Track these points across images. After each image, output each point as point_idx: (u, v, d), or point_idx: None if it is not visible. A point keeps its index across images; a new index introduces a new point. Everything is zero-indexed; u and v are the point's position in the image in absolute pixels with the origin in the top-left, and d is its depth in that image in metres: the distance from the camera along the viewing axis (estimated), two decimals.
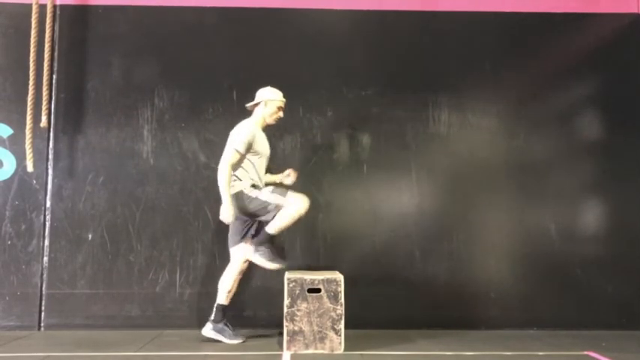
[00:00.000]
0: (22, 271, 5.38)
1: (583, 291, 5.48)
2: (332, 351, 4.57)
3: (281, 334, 4.68)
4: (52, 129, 5.50)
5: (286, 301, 4.60)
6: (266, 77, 5.22)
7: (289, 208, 4.70)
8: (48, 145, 5.50)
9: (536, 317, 5.42)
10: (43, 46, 5.44)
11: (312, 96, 5.56)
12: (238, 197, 4.76)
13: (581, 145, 5.65)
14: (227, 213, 4.68)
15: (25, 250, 5.40)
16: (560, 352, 4.64)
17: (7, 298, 5.35)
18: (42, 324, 5.34)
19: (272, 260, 4.74)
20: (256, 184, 4.82)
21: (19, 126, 5.42)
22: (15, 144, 5.45)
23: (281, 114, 4.98)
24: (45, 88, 5.40)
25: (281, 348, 4.63)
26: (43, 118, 5.36)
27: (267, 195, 4.74)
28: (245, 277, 5.27)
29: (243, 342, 4.82)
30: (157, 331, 5.22)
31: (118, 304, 5.38)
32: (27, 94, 5.31)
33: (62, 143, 5.51)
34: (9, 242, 5.40)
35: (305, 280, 4.62)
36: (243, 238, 4.90)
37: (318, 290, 4.60)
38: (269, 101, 4.92)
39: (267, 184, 4.93)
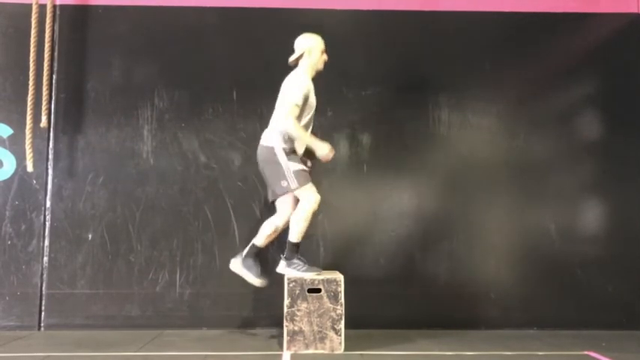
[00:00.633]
0: (22, 271, 5.38)
1: (583, 291, 5.48)
2: (332, 351, 4.57)
3: (273, 336, 4.68)
4: (52, 129, 5.50)
5: (286, 301, 4.60)
6: (266, 77, 5.22)
7: (301, 209, 4.66)
8: (48, 145, 5.50)
9: (536, 317, 5.42)
10: (43, 46, 5.44)
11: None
12: (268, 151, 4.68)
13: (581, 145, 5.65)
14: (324, 149, 4.65)
15: (25, 250, 5.40)
16: (560, 352, 4.64)
17: (7, 298, 5.35)
18: (42, 324, 5.34)
19: (308, 270, 4.68)
20: (295, 149, 4.70)
21: (19, 126, 5.42)
22: (15, 144, 5.45)
23: (326, 57, 4.89)
24: (45, 88, 5.40)
25: (281, 348, 4.63)
26: (43, 118, 5.36)
27: (290, 170, 4.63)
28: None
29: (264, 286, 4.81)
30: (157, 331, 5.22)
31: (118, 304, 5.38)
32: (27, 94, 5.32)
33: (62, 143, 5.51)
34: (9, 242, 5.40)
35: (305, 280, 4.62)
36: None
37: (318, 290, 4.60)
38: (312, 48, 4.82)
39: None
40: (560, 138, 5.63)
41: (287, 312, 4.59)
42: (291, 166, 4.64)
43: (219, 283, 5.40)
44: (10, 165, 5.45)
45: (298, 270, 4.67)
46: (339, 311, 4.59)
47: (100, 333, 5.17)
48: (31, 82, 5.32)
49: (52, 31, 5.53)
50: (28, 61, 5.33)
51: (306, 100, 4.68)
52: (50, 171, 5.48)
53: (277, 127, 4.71)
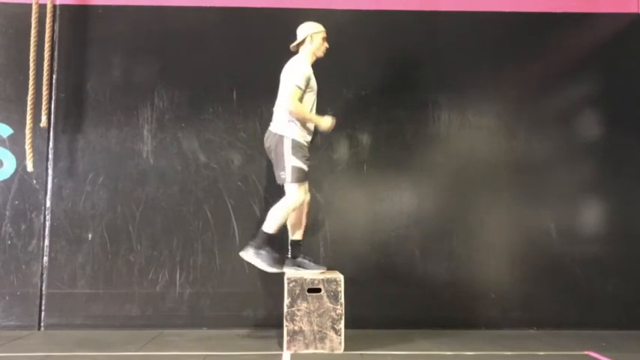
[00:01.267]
0: (22, 271, 5.38)
1: (583, 291, 5.48)
2: (332, 351, 4.57)
3: (273, 336, 4.68)
4: (52, 129, 5.49)
5: (286, 301, 4.59)
6: (266, 77, 5.22)
7: (283, 201, 4.72)
8: (48, 144, 5.50)
9: (536, 317, 5.42)
10: (43, 46, 5.44)
11: None
12: (277, 139, 4.73)
13: (581, 145, 5.65)
14: (327, 122, 4.76)
15: (25, 250, 5.40)
16: (560, 352, 4.64)
17: (7, 297, 5.35)
18: (42, 324, 5.34)
19: (271, 265, 4.70)
20: (304, 129, 4.75)
21: (19, 126, 5.42)
22: (15, 144, 5.45)
23: (327, 44, 4.97)
24: (45, 87, 5.40)
25: (281, 348, 4.63)
26: (43, 117, 5.36)
27: (290, 164, 4.68)
28: (245, 277, 5.29)
29: (281, 272, 4.74)
30: (157, 331, 5.22)
31: (118, 304, 5.38)
32: (27, 94, 5.32)
33: (62, 143, 5.51)
34: (9, 242, 5.40)
35: (305, 279, 4.62)
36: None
37: (318, 290, 4.60)
38: (314, 35, 4.90)
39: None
40: (560, 138, 5.63)
41: (287, 312, 4.59)
42: (293, 161, 4.69)
43: (219, 283, 5.40)
44: (10, 165, 5.45)
45: (262, 261, 4.67)
46: (339, 311, 4.59)
47: (100, 333, 5.17)
48: (31, 82, 5.32)
49: (52, 31, 5.53)
50: (28, 61, 5.33)
51: (307, 83, 4.76)
52: (50, 171, 5.48)
53: (285, 114, 4.75)
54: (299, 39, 4.93)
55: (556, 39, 5.70)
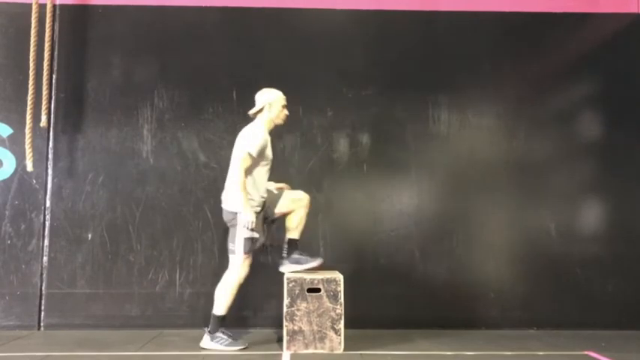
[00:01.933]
0: (22, 271, 5.38)
1: (583, 291, 5.48)
2: (332, 351, 4.57)
3: (273, 336, 4.68)
4: (51, 128, 5.50)
5: (286, 301, 4.59)
6: (266, 77, 5.22)
7: (225, 281, 4.70)
8: (48, 144, 5.50)
9: (536, 317, 5.42)
10: (43, 45, 5.44)
11: (312, 96, 5.56)
12: (232, 215, 4.68)
13: (581, 145, 5.65)
14: (250, 217, 4.59)
15: (24, 250, 5.40)
16: (560, 352, 4.64)
17: (7, 297, 5.35)
18: (42, 324, 5.34)
19: (232, 344, 4.64)
20: (252, 196, 4.69)
21: (18, 125, 5.42)
22: (15, 143, 5.45)
23: (286, 111, 4.90)
24: (45, 87, 5.40)
25: (281, 348, 4.63)
26: (43, 117, 5.36)
27: (241, 237, 4.64)
28: (245, 277, 5.25)
29: (243, 347, 4.71)
30: (157, 331, 5.22)
31: (118, 304, 5.38)
32: (27, 93, 5.32)
33: (62, 143, 5.51)
34: (9, 242, 5.40)
35: (305, 279, 4.62)
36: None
37: (318, 290, 4.60)
38: (273, 102, 4.82)
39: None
40: (560, 138, 5.63)
41: (287, 312, 4.59)
42: (245, 233, 4.63)
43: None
44: (9, 164, 5.45)
45: (221, 344, 4.63)
46: (338, 311, 4.59)
47: (99, 333, 5.17)
48: (30, 82, 5.32)
49: (52, 30, 5.54)
50: (28, 60, 5.34)
51: (261, 152, 4.68)
52: (50, 170, 5.48)
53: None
54: (257, 107, 4.84)
55: (556, 39, 5.70)
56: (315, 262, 4.74)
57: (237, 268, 4.69)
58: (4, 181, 5.44)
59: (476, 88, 5.65)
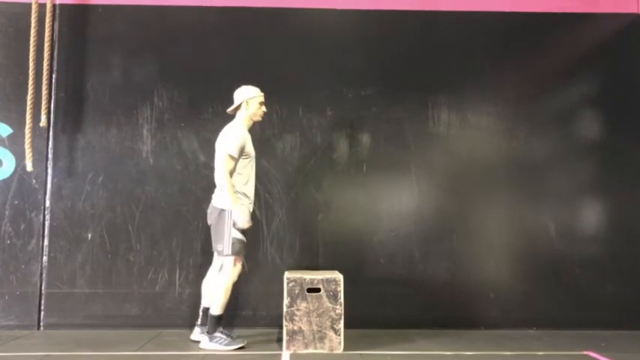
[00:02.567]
0: (22, 271, 5.38)
1: (583, 291, 5.48)
2: (331, 351, 4.57)
3: (273, 336, 4.67)
4: (51, 128, 5.49)
5: (286, 301, 4.59)
6: (266, 77, 5.22)
7: (220, 282, 4.69)
8: (47, 144, 5.49)
9: (536, 317, 5.42)
10: (43, 45, 5.44)
11: (312, 96, 5.56)
12: (218, 212, 4.69)
13: (581, 145, 5.64)
14: (244, 217, 4.62)
15: (24, 250, 5.39)
16: (559, 352, 4.64)
17: (7, 297, 5.34)
18: (41, 323, 5.34)
19: (230, 344, 4.63)
20: (246, 194, 4.73)
21: (18, 125, 5.42)
22: (14, 143, 5.44)
23: (264, 108, 4.91)
24: (44, 87, 5.40)
25: (280, 348, 4.63)
26: (43, 117, 5.36)
27: (230, 237, 4.63)
28: (244, 277, 5.27)
29: (242, 346, 4.70)
30: (157, 331, 5.22)
31: (118, 304, 5.38)
32: (26, 93, 5.32)
33: (62, 143, 5.51)
34: (8, 242, 5.39)
35: (304, 279, 4.61)
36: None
37: (318, 290, 4.60)
38: (250, 100, 4.84)
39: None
40: (560, 138, 5.63)
41: (286, 312, 4.58)
42: (234, 233, 4.64)
43: None
44: (9, 164, 5.45)
45: (221, 344, 4.63)
46: (338, 311, 4.59)
47: (99, 332, 5.17)
48: (30, 82, 5.32)
49: (52, 30, 5.53)
50: (28, 60, 5.33)
51: (241, 151, 4.69)
52: (50, 170, 5.48)
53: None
54: (235, 104, 4.87)
55: (556, 39, 5.70)
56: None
57: (229, 268, 4.70)
58: (3, 180, 5.44)
59: (476, 88, 5.65)
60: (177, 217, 5.47)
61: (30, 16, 5.35)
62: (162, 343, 4.84)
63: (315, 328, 4.58)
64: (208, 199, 5.43)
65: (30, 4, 5.37)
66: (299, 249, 5.44)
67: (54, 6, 5.54)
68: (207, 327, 4.73)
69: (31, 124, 5.28)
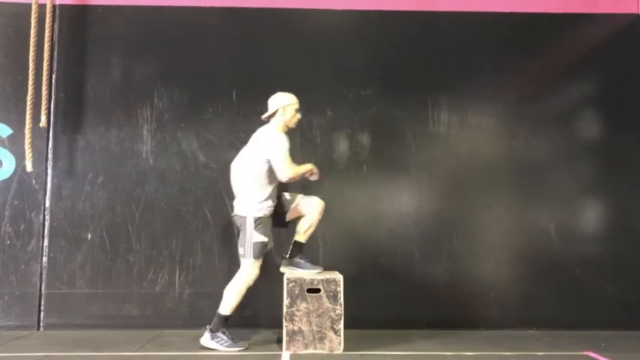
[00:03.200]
0: (22, 271, 5.38)
1: (583, 291, 5.48)
2: (331, 351, 4.57)
3: (273, 336, 4.67)
4: (51, 129, 5.49)
5: (286, 301, 4.59)
6: (266, 77, 5.22)
7: (237, 281, 4.73)
8: (47, 144, 5.49)
9: (536, 317, 5.42)
10: (43, 45, 5.44)
11: (312, 96, 5.55)
12: (242, 220, 4.72)
13: (581, 145, 5.64)
14: (308, 168, 4.75)
15: (24, 250, 5.39)
16: (559, 352, 4.64)
17: (7, 297, 5.34)
18: (41, 324, 5.34)
19: (230, 346, 4.65)
20: (270, 205, 4.75)
21: (18, 126, 5.42)
22: (14, 144, 5.45)
23: (299, 115, 4.92)
24: (44, 87, 5.40)
25: (280, 348, 4.63)
26: (43, 117, 5.36)
27: (251, 241, 4.68)
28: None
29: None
30: (157, 331, 5.22)
31: (118, 304, 5.38)
32: (26, 93, 5.32)
33: (62, 143, 5.51)
34: (8, 242, 5.39)
35: (304, 280, 4.61)
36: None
37: (318, 290, 4.60)
38: (286, 107, 4.83)
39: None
40: (560, 138, 5.63)
41: (286, 312, 4.58)
42: (255, 237, 4.67)
43: (219, 283, 5.36)
44: (9, 165, 5.45)
45: (221, 344, 4.64)
46: (338, 311, 4.59)
47: (99, 333, 5.17)
48: (30, 82, 5.32)
49: (52, 30, 5.53)
50: (28, 61, 5.33)
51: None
52: (50, 171, 5.48)
53: (244, 194, 4.74)
54: (270, 110, 4.85)
55: (556, 39, 5.70)
56: (314, 270, 4.73)
57: (247, 271, 4.72)
58: (3, 181, 5.44)
59: (476, 88, 5.65)
60: (177, 218, 5.47)
61: (30, 16, 5.35)
62: (162, 344, 4.84)
63: (315, 328, 4.57)
64: (208, 200, 5.47)
65: (30, 5, 5.37)
66: (303, 253, 5.42)
67: (54, 6, 5.54)
68: (211, 324, 4.72)
69: (31, 125, 5.28)
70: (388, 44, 5.69)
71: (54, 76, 5.53)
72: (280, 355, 4.50)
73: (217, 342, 4.65)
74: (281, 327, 4.64)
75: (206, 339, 4.69)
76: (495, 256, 5.54)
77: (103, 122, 5.53)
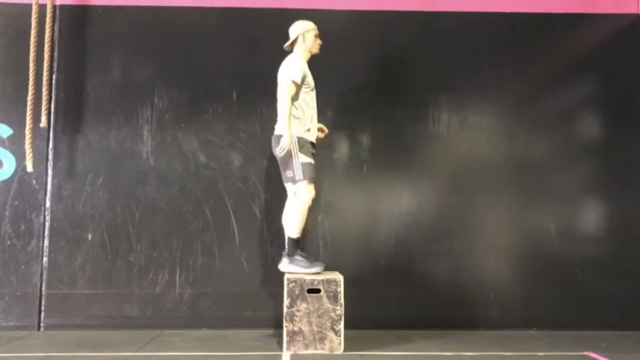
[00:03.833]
0: (22, 272, 5.38)
1: (583, 291, 5.48)
2: (332, 351, 4.57)
3: (273, 337, 4.67)
4: (51, 129, 5.49)
5: (286, 302, 4.59)
6: (266, 77, 5.21)
7: (297, 203, 4.75)
8: (48, 145, 5.49)
9: (536, 317, 5.42)
10: (43, 46, 5.44)
11: None
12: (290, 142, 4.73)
13: (581, 145, 5.65)
14: (286, 142, 4.65)
15: (24, 251, 5.40)
16: (559, 352, 4.64)
17: (7, 298, 5.34)
18: (41, 324, 5.34)
19: (309, 266, 4.72)
20: (310, 129, 4.80)
21: (18, 126, 5.42)
22: (15, 144, 5.45)
23: (320, 41, 4.99)
24: (45, 88, 5.40)
25: (281, 348, 4.63)
26: (43, 118, 5.36)
27: (298, 162, 4.72)
28: (244, 278, 5.30)
29: (323, 269, 4.75)
30: (157, 332, 5.22)
31: (118, 305, 5.38)
32: (27, 94, 5.32)
33: (62, 143, 5.51)
34: (8, 242, 5.40)
35: (305, 280, 4.61)
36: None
37: (318, 291, 4.60)
38: (305, 33, 4.93)
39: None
40: (560, 138, 5.63)
41: (287, 312, 4.58)
42: (302, 158, 4.72)
43: (219, 284, 5.40)
44: (9, 165, 5.45)
45: (301, 267, 4.70)
46: (338, 312, 4.59)
47: (99, 333, 5.17)
48: (30, 82, 5.32)
49: (52, 31, 5.53)
50: (28, 61, 5.34)
51: (303, 79, 4.78)
52: (50, 171, 5.48)
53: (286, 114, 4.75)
54: (292, 38, 4.96)
55: (556, 39, 5.70)
56: (315, 269, 4.72)
57: (305, 195, 4.74)
58: (4, 181, 5.44)
59: (476, 88, 5.65)
60: (178, 218, 5.47)
61: (30, 16, 5.35)
62: (163, 344, 4.84)
63: (315, 328, 4.58)
64: (208, 200, 5.47)
65: (30, 5, 5.37)
66: (300, 248, 5.43)
67: (54, 7, 5.54)
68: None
69: (31, 125, 5.28)
70: (388, 44, 5.69)
71: (54, 77, 5.54)
72: (281, 356, 4.50)
73: (296, 265, 4.72)
74: (281, 327, 4.65)
75: (285, 264, 4.77)
76: (495, 256, 5.54)
77: (103, 122, 5.53)
